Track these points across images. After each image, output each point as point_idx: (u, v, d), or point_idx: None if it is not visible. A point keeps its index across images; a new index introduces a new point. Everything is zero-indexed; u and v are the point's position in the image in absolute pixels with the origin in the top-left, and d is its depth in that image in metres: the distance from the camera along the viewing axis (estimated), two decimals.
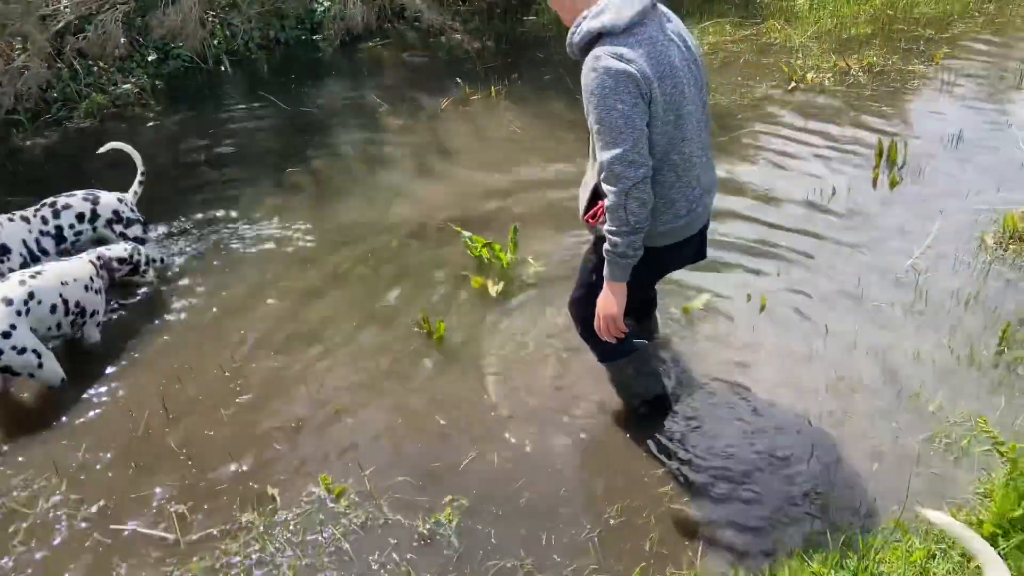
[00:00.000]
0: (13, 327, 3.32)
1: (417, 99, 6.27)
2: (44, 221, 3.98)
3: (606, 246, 2.58)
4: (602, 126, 2.42)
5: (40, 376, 3.44)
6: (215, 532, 2.87)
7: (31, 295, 3.43)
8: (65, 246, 4.03)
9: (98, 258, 3.83)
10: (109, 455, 3.21)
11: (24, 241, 3.89)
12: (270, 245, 4.51)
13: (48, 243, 3.97)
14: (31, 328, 3.41)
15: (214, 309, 4.03)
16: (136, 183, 4.33)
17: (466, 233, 4.29)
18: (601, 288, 2.69)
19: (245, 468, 3.13)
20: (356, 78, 6.75)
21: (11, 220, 3.91)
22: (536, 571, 2.69)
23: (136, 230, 4.18)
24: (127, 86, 6.14)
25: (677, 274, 4.06)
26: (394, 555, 2.77)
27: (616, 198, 2.46)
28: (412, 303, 3.98)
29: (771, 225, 4.48)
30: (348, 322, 3.89)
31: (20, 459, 3.21)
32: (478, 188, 5.00)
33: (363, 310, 3.97)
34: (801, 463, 3.03)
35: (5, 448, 3.26)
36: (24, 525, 2.92)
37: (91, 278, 3.72)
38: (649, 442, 3.16)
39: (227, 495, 3.02)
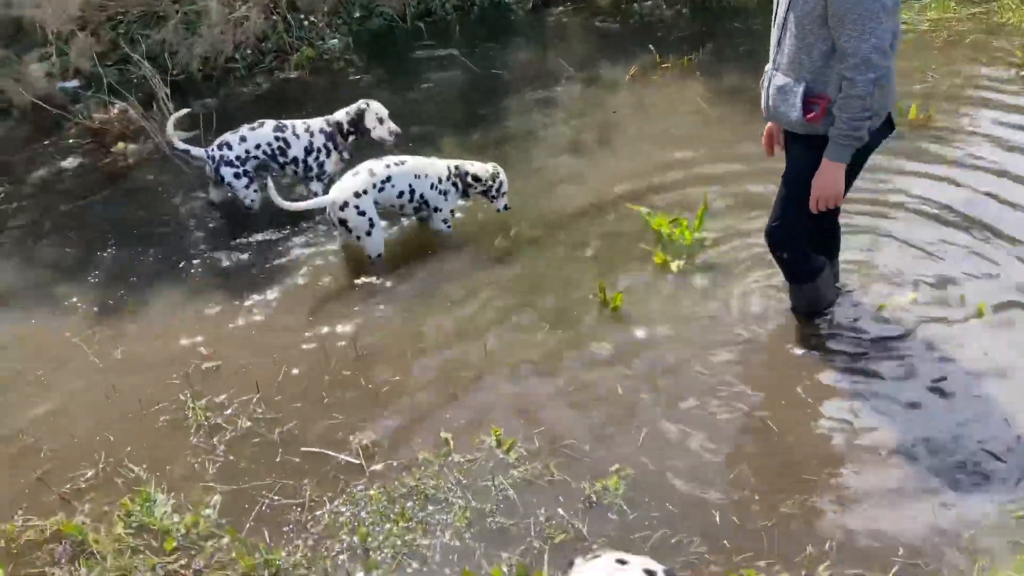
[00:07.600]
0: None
1: (604, 66, 6.18)
2: None
3: (842, 130, 2.75)
4: (860, 14, 2.57)
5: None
6: (395, 464, 3.03)
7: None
8: None
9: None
10: (304, 384, 3.44)
11: None
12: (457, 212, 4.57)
13: None
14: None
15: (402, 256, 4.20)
16: None
17: (643, 209, 4.22)
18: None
19: (425, 410, 3.27)
20: (545, 42, 6.75)
21: None
22: (706, 552, 2.64)
23: None
24: (334, 41, 6.48)
25: (890, 265, 3.80)
26: (560, 511, 2.81)
27: (865, 87, 2.65)
28: (591, 273, 3.97)
29: (991, 225, 4.07)
30: (529, 287, 3.94)
31: (225, 377, 3.51)
32: (660, 162, 4.86)
33: (544, 277, 4.01)
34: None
35: (214, 365, 3.58)
36: (226, 437, 3.20)
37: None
38: (834, 436, 3.01)
39: (407, 433, 3.17)
